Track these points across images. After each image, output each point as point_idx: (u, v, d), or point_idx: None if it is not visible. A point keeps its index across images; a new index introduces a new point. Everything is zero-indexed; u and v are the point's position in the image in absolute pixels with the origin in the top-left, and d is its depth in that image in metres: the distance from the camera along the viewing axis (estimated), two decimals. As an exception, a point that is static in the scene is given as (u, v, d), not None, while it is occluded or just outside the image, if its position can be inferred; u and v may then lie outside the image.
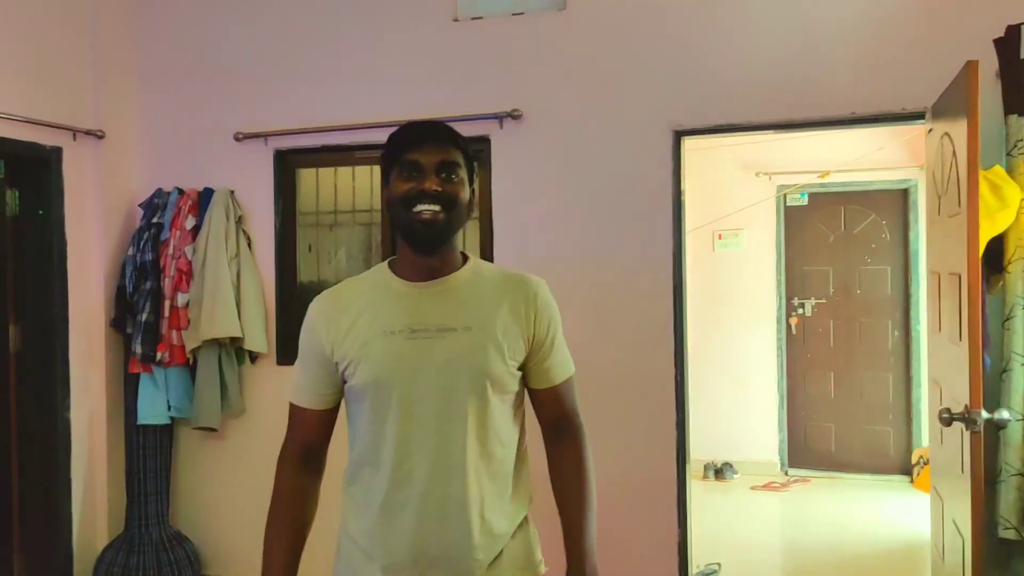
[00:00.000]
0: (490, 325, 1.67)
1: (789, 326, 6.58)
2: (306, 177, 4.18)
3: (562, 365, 1.78)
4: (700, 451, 6.58)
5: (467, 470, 1.63)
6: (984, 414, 2.39)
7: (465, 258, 1.77)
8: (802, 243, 6.55)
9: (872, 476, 6.26)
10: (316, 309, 1.75)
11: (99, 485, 4.08)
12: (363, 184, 4.10)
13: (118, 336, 4.11)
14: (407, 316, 1.66)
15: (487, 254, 3.71)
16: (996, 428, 2.63)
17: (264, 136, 4.06)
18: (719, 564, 4.49)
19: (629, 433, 3.60)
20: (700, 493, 6.12)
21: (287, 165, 4.13)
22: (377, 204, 4.05)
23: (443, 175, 1.65)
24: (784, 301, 6.57)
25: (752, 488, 6.17)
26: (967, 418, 2.38)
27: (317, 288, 4.19)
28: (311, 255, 4.21)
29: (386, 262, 1.77)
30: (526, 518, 1.77)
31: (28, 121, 3.74)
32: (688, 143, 6.30)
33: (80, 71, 4.01)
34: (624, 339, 3.57)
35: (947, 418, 2.42)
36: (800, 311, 6.57)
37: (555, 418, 1.79)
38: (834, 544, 4.98)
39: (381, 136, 3.82)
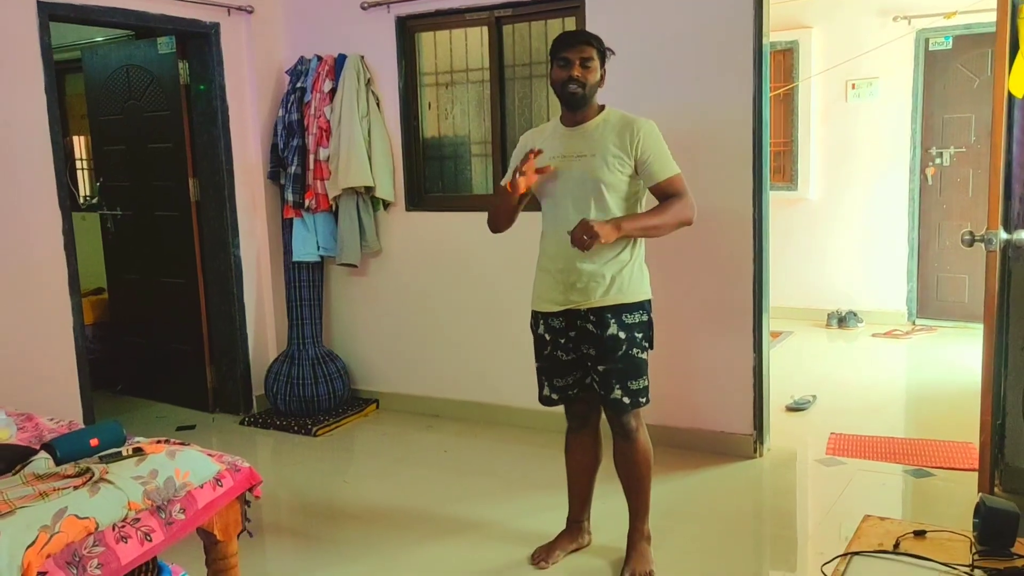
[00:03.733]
0: (606, 151, 2.74)
1: (925, 176, 6.47)
2: (425, 40, 4.61)
3: (661, 171, 2.76)
4: (824, 301, 6.76)
5: None
6: (1002, 235, 2.56)
7: (601, 108, 2.83)
8: (943, 90, 6.32)
9: (1002, 327, 6.20)
10: (524, 137, 3.01)
11: (267, 310, 4.91)
12: (474, 45, 4.47)
13: (274, 186, 4.82)
14: (561, 147, 2.81)
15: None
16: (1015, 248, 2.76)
17: (386, 4, 4.50)
18: (814, 396, 4.79)
19: (709, 267, 3.92)
20: (820, 340, 6.38)
21: (407, 30, 4.57)
22: (487, 64, 4.43)
23: (583, 66, 2.72)
24: (920, 151, 6.43)
25: (873, 336, 6.30)
26: (984, 238, 2.57)
27: (438, 143, 4.71)
28: (431, 112, 4.68)
29: (558, 115, 2.88)
30: (635, 268, 2.81)
31: (190, 1, 4.37)
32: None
33: (230, -47, 4.59)
34: (706, 179, 3.82)
35: (968, 239, 2.61)
36: (938, 161, 6.42)
37: (664, 198, 2.79)
38: (932, 385, 5.14)
39: (487, -2, 4.17)
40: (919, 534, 2.03)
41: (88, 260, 5.36)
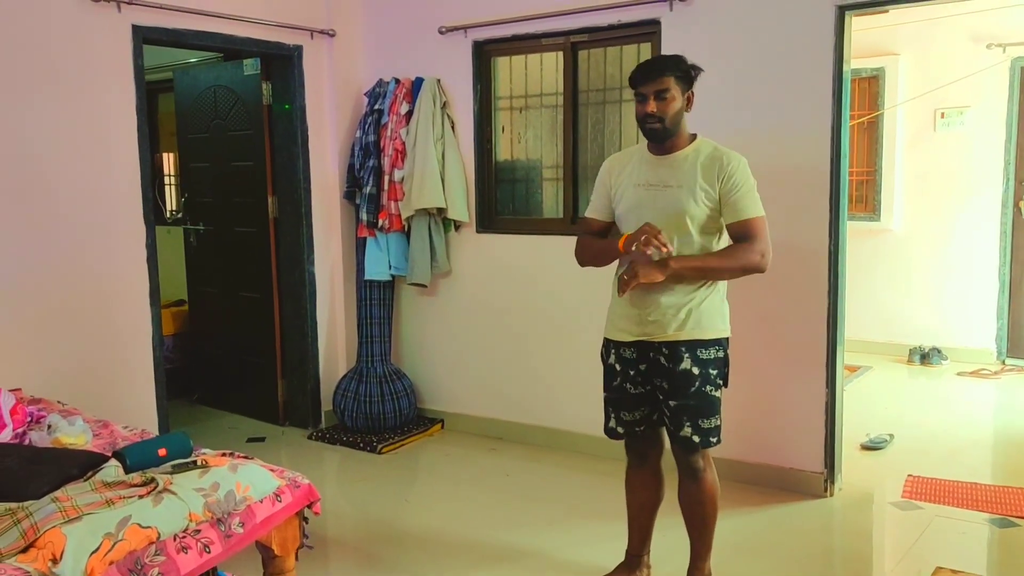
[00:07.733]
0: (693, 183, 2.67)
1: (1019, 209, 6.19)
2: (501, 65, 4.65)
3: (742, 211, 2.66)
4: (906, 336, 6.53)
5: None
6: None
7: (693, 138, 2.76)
8: (1040, 120, 6.06)
9: (1100, 370, 5.87)
10: (607, 163, 2.94)
11: (338, 327, 4.99)
12: (549, 69, 4.49)
13: (350, 206, 4.92)
14: (646, 176, 2.76)
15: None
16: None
17: (464, 28, 4.56)
18: (891, 435, 4.61)
19: (782, 299, 3.81)
20: (901, 376, 6.15)
21: (484, 54, 4.62)
22: (561, 89, 4.44)
23: (659, 99, 2.63)
24: (1013, 183, 6.17)
25: (958, 374, 6.04)
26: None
27: (511, 166, 4.73)
28: (505, 135, 4.71)
29: (645, 142, 2.81)
30: (714, 303, 2.73)
31: (275, 24, 4.51)
32: (909, 14, 6.03)
33: (315, -21, 4.73)
34: (781, 210, 3.73)
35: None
36: (1033, 194, 6.15)
37: (737, 239, 2.70)
38: (1021, 429, 4.88)
39: (563, 24, 4.22)
40: (994, 591, 1.92)
41: (171, 273, 5.55)
